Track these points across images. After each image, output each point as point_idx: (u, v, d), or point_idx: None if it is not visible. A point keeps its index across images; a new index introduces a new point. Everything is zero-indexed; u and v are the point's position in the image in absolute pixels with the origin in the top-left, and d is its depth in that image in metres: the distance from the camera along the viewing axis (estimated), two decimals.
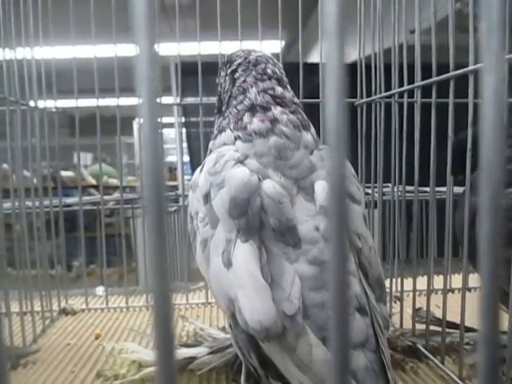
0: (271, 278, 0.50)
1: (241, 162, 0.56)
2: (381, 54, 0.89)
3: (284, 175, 0.55)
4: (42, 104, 0.98)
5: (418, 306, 0.79)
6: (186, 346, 0.74)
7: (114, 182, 4.08)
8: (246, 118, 0.60)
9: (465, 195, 0.64)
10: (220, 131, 0.63)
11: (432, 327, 0.75)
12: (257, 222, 0.51)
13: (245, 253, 0.50)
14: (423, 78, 0.72)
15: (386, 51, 0.88)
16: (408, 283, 0.83)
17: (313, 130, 0.62)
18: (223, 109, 0.65)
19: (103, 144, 1.05)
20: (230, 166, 0.55)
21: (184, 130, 2.64)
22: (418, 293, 0.80)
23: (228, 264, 0.51)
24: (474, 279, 0.89)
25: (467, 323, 0.64)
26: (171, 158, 4.76)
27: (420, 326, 0.77)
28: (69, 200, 1.20)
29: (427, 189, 0.74)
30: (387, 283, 0.77)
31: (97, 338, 0.88)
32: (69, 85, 0.97)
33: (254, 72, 0.63)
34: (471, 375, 0.66)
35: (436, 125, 0.70)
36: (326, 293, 0.50)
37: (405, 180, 0.80)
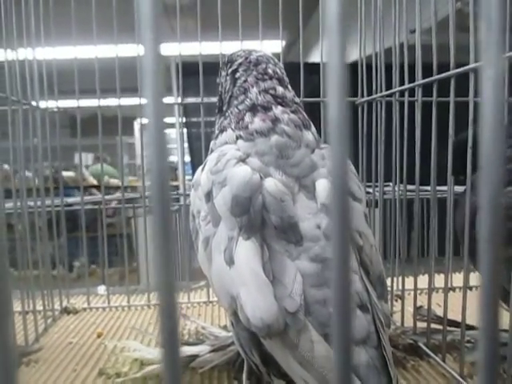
0: (273, 275, 0.50)
1: (242, 160, 0.56)
2: (382, 54, 0.89)
3: (285, 173, 0.56)
4: (43, 104, 0.98)
5: (419, 304, 0.80)
6: (188, 344, 0.75)
7: (114, 182, 4.08)
8: (248, 117, 0.60)
9: (465, 194, 0.65)
10: (221, 131, 0.63)
11: (433, 325, 0.75)
12: (259, 219, 0.52)
13: (247, 250, 0.51)
14: (424, 77, 0.72)
15: (387, 50, 0.88)
16: (409, 282, 0.83)
17: (313, 129, 0.62)
18: (224, 108, 0.65)
19: (104, 144, 1.05)
20: (231, 164, 0.55)
21: (185, 130, 2.65)
22: (419, 291, 0.80)
23: (230, 262, 0.52)
24: (474, 278, 0.89)
25: (468, 321, 0.65)
26: (172, 158, 4.76)
27: (421, 324, 0.77)
28: (70, 200, 1.21)
29: (428, 188, 0.75)
30: (388, 282, 0.78)
31: (99, 336, 0.88)
32: (70, 85, 0.98)
33: (255, 72, 0.63)
34: (472, 373, 0.66)
35: (437, 123, 0.70)
36: (327, 290, 0.50)
37: (406, 179, 0.80)
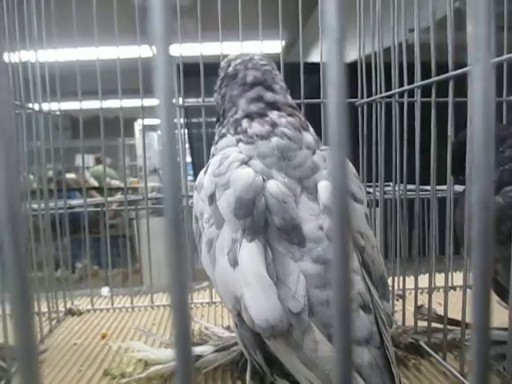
0: (277, 276, 0.51)
1: (245, 163, 0.57)
2: (381, 54, 0.90)
3: (288, 175, 0.56)
4: (45, 106, 0.99)
5: (419, 303, 0.80)
6: (192, 344, 0.75)
7: (116, 183, 4.09)
8: (245, 123, 0.61)
9: (465, 194, 0.65)
10: (221, 137, 0.64)
11: (434, 324, 0.76)
12: (262, 221, 0.52)
13: (250, 252, 0.51)
14: (423, 78, 0.73)
15: (386, 50, 0.88)
16: (410, 281, 0.83)
17: (312, 130, 0.62)
18: (221, 120, 0.66)
19: (105, 146, 1.06)
20: (234, 167, 0.56)
21: (186, 131, 2.65)
22: (419, 290, 0.81)
23: (234, 263, 0.52)
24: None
25: (468, 320, 0.65)
26: None
27: (422, 324, 0.78)
28: (73, 202, 1.21)
29: (428, 187, 0.75)
30: (389, 281, 0.78)
31: (103, 337, 0.89)
32: (72, 87, 0.98)
33: (236, 85, 0.63)
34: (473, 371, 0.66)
35: (436, 124, 0.71)
36: (330, 291, 0.50)
37: (406, 179, 0.81)
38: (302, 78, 0.97)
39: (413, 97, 0.77)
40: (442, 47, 0.69)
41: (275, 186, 0.54)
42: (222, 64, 0.68)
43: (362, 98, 0.97)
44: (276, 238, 0.53)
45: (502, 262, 0.62)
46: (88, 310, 1.06)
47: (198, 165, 2.67)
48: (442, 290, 1.03)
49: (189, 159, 2.80)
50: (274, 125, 0.59)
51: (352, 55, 0.94)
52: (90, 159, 4.46)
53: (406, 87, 0.79)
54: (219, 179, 0.56)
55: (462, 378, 0.65)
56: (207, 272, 0.60)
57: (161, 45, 0.18)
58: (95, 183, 4.19)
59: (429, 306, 0.74)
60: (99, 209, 1.27)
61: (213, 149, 0.66)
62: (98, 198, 1.54)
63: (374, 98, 0.92)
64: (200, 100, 1.03)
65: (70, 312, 1.04)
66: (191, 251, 1.06)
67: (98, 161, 4.50)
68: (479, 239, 0.18)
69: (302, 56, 1.00)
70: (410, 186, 0.81)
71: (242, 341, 0.56)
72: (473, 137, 0.18)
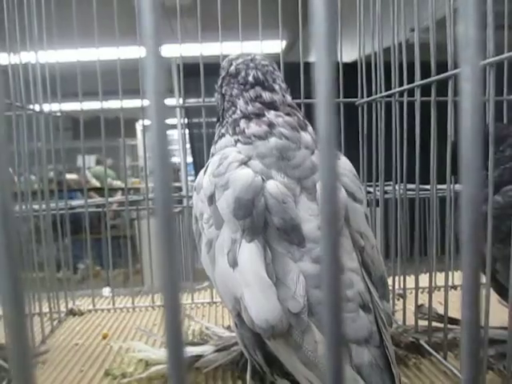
0: (276, 276, 0.51)
1: (244, 163, 0.57)
2: (381, 53, 0.90)
3: (287, 175, 0.56)
4: (46, 107, 0.99)
5: (420, 302, 0.80)
6: (192, 344, 0.75)
7: (117, 183, 4.10)
8: (243, 123, 0.61)
9: None
10: (220, 137, 0.64)
11: (434, 323, 0.76)
12: (261, 221, 0.52)
13: (250, 252, 0.51)
14: (423, 77, 0.73)
15: (386, 50, 0.88)
16: (410, 281, 0.83)
17: (311, 129, 0.62)
18: (220, 120, 0.66)
19: (106, 146, 1.06)
20: (233, 167, 0.56)
21: (187, 131, 2.66)
22: (420, 290, 0.81)
23: (233, 264, 0.52)
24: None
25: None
26: (174, 159, 4.77)
27: (422, 323, 0.78)
28: (74, 202, 1.22)
29: (428, 187, 0.75)
30: (390, 281, 0.78)
31: (104, 337, 0.89)
32: (72, 88, 0.98)
33: (236, 84, 0.63)
34: None
35: (436, 123, 0.71)
36: None
37: (406, 178, 0.81)
38: (302, 78, 0.97)
39: (413, 96, 0.77)
40: (441, 47, 0.68)
41: (274, 186, 0.54)
42: (224, 63, 0.68)
43: (362, 97, 0.97)
44: (275, 238, 0.53)
45: (501, 261, 0.62)
46: (89, 311, 1.06)
47: (199, 165, 2.67)
48: (442, 289, 1.02)
49: (190, 159, 2.80)
50: (271, 125, 0.59)
51: (352, 55, 0.95)
52: (91, 160, 4.47)
53: (405, 86, 0.79)
54: (218, 180, 0.56)
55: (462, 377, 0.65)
56: (207, 272, 0.60)
57: (150, 45, 0.18)
58: (97, 184, 4.20)
59: (429, 305, 0.74)
60: (100, 209, 1.27)
61: (212, 148, 0.66)
62: (99, 199, 1.55)
63: (374, 97, 0.92)
64: (200, 100, 1.03)
65: (72, 312, 1.04)
66: (191, 251, 1.06)
67: (99, 162, 4.52)
68: (468, 238, 0.18)
69: (302, 56, 1.00)
70: (410, 186, 0.81)
71: (242, 341, 0.56)
72: (461, 139, 0.18)
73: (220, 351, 0.71)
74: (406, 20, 0.80)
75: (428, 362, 0.73)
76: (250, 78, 0.62)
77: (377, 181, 0.94)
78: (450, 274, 1.07)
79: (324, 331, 0.49)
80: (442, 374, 0.69)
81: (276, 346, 0.52)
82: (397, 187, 0.88)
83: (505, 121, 0.78)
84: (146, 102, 0.18)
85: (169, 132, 0.21)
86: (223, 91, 0.65)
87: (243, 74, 0.63)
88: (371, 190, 0.97)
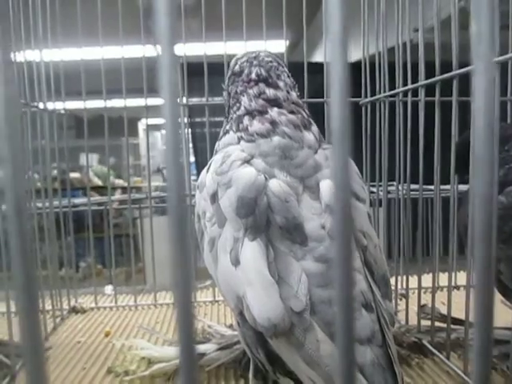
0: (278, 275, 0.51)
1: (247, 161, 0.57)
2: (385, 53, 0.90)
3: (290, 174, 0.56)
4: (50, 106, 0.99)
5: (423, 302, 0.80)
6: (195, 342, 0.75)
7: (119, 182, 4.10)
8: (246, 120, 0.61)
9: (469, 193, 0.65)
10: (224, 133, 0.64)
11: (437, 323, 0.75)
12: (264, 220, 0.52)
13: (252, 251, 0.51)
14: (427, 77, 0.73)
15: (390, 50, 0.88)
16: (413, 281, 0.83)
17: (314, 128, 0.62)
18: (227, 116, 0.66)
19: (109, 145, 1.06)
20: (236, 165, 0.56)
21: (189, 131, 2.66)
22: (423, 290, 0.81)
23: (236, 262, 0.52)
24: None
25: (472, 319, 0.65)
26: None
27: (425, 323, 0.78)
28: (77, 201, 1.22)
29: (432, 187, 0.75)
30: (393, 281, 0.78)
31: (106, 335, 0.90)
32: (76, 86, 0.99)
33: (241, 82, 0.63)
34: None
35: (440, 123, 0.71)
36: (332, 290, 0.50)
37: (409, 178, 0.81)
38: (306, 78, 0.97)
39: (417, 96, 0.76)
40: (446, 47, 0.68)
41: (277, 184, 0.54)
42: (231, 63, 0.68)
43: (366, 97, 0.97)
44: (278, 237, 0.53)
45: (504, 262, 0.62)
46: (92, 308, 1.07)
47: (202, 164, 2.66)
48: (445, 289, 1.02)
49: (192, 159, 2.80)
50: (273, 123, 0.59)
51: (356, 55, 0.94)
52: (94, 158, 4.48)
53: (409, 86, 0.78)
54: (221, 178, 0.56)
55: (465, 377, 0.65)
56: (209, 271, 0.60)
57: (166, 45, 0.18)
58: (99, 182, 4.21)
59: (432, 305, 0.74)
60: (102, 207, 1.27)
61: (216, 144, 0.66)
62: (102, 197, 1.55)
63: (377, 97, 0.92)
64: (204, 99, 1.03)
65: (74, 310, 1.04)
66: (194, 250, 1.06)
67: (102, 161, 4.53)
68: (481, 235, 0.18)
69: (306, 56, 1.00)
70: (413, 186, 0.81)
71: (244, 339, 0.56)
72: (473, 136, 0.18)
73: (222, 350, 0.71)
74: (411, 20, 0.79)
75: (431, 362, 0.73)
76: (253, 75, 0.62)
77: (380, 181, 0.94)
78: (453, 274, 1.07)
79: (326, 330, 0.49)
80: (445, 374, 0.69)
81: (278, 345, 0.52)
82: (400, 187, 0.87)
83: (509, 121, 0.78)
84: (158, 101, 0.18)
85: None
86: (229, 90, 0.66)
87: (247, 71, 0.63)
88: (374, 190, 0.97)
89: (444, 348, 0.72)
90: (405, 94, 0.81)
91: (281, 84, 0.62)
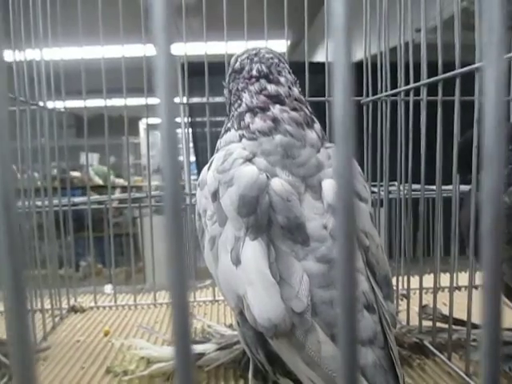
0: (280, 275, 0.50)
1: (249, 160, 0.56)
2: (387, 53, 0.89)
3: (292, 173, 0.56)
4: (50, 104, 0.99)
5: (424, 303, 0.80)
6: (194, 342, 0.75)
7: (119, 181, 4.10)
8: (248, 117, 0.60)
9: (471, 193, 0.65)
10: (226, 131, 0.64)
11: (439, 324, 0.75)
12: (265, 219, 0.52)
13: (253, 250, 0.51)
14: (429, 76, 0.72)
15: (392, 50, 0.88)
16: (415, 281, 0.83)
17: (317, 126, 0.61)
18: (228, 114, 0.66)
19: (109, 144, 1.06)
20: (238, 164, 0.55)
21: (190, 130, 2.65)
22: (424, 290, 0.81)
23: (237, 261, 0.52)
24: (480, 277, 0.89)
25: (474, 320, 0.65)
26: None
27: (427, 323, 0.78)
28: (77, 199, 1.21)
29: (433, 187, 0.75)
30: (394, 281, 0.77)
31: (106, 334, 0.89)
32: (76, 85, 0.98)
33: (241, 78, 0.63)
34: (478, 371, 0.66)
35: (442, 123, 0.70)
36: (334, 290, 0.50)
37: (411, 178, 0.80)
38: (307, 77, 0.97)
39: (419, 95, 0.76)
40: (448, 47, 0.68)
41: (279, 184, 0.54)
42: (231, 61, 0.68)
43: (368, 96, 0.97)
44: (279, 236, 0.52)
45: (507, 262, 0.62)
46: (91, 308, 1.06)
47: (202, 164, 2.66)
48: (446, 290, 1.02)
49: (193, 158, 2.80)
50: (275, 120, 0.58)
51: (358, 54, 0.94)
52: (94, 157, 4.47)
53: (412, 85, 0.78)
54: (223, 176, 0.56)
55: (467, 378, 0.65)
56: (210, 269, 0.59)
57: (162, 43, 0.17)
58: (100, 181, 4.21)
59: (433, 305, 0.74)
60: (102, 206, 1.27)
61: (218, 142, 0.66)
62: (102, 196, 1.54)
63: (379, 96, 0.92)
64: (204, 99, 1.02)
65: (73, 309, 1.04)
66: (194, 249, 1.06)
67: (102, 160, 4.53)
68: (489, 233, 0.18)
69: (308, 55, 1.00)
70: (415, 186, 0.80)
71: (244, 339, 0.56)
72: (483, 131, 0.18)
73: (222, 350, 0.71)
74: (413, 19, 0.79)
75: (432, 363, 0.72)
76: (254, 72, 0.62)
77: (381, 180, 0.93)
78: (455, 274, 1.06)
79: (327, 332, 0.49)
80: (447, 375, 0.69)
81: (278, 345, 0.51)
82: (401, 187, 0.87)
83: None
84: (155, 100, 0.18)
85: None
86: (230, 87, 0.65)
87: (247, 68, 0.63)
88: (375, 189, 0.96)
89: (445, 349, 0.72)
90: (407, 93, 0.81)
91: (282, 80, 0.62)
